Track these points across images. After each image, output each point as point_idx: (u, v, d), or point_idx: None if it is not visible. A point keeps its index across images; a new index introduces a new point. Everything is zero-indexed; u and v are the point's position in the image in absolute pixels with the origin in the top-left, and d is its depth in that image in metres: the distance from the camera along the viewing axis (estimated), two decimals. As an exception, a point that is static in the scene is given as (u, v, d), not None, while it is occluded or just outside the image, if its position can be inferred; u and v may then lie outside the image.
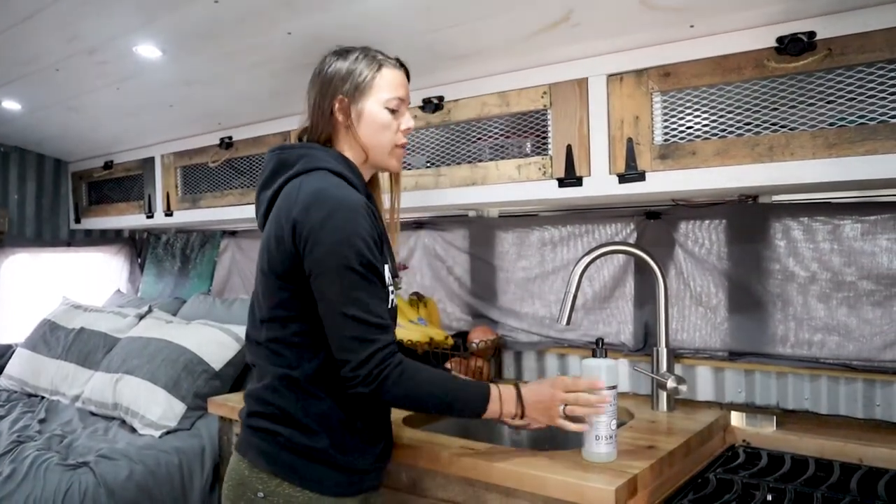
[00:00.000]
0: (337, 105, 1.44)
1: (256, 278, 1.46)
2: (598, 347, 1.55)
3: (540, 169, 1.87)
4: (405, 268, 2.52)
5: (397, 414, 1.91)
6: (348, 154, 1.47)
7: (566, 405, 1.45)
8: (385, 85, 1.45)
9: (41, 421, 2.71)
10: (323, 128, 1.47)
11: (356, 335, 1.30)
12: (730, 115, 1.59)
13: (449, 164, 2.07)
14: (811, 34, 1.45)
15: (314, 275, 1.31)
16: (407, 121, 1.49)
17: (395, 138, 1.48)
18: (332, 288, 1.29)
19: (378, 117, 1.45)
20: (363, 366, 1.29)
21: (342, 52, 1.47)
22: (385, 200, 1.60)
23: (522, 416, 1.45)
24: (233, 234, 3.53)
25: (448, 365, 2.22)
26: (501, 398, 1.44)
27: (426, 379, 1.38)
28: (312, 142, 1.48)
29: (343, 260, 1.29)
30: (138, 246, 4.11)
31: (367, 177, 1.52)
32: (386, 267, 1.41)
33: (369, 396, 1.32)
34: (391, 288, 1.43)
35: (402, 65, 1.50)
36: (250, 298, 1.50)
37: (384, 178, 1.61)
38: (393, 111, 1.46)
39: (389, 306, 1.40)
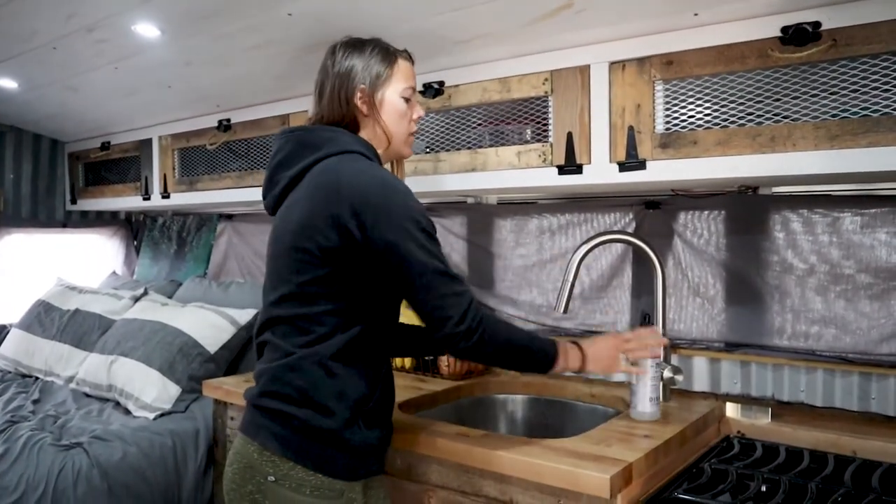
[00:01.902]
0: (359, 95, 1.47)
1: (277, 255, 1.45)
2: (645, 321, 1.98)
3: (540, 156, 1.86)
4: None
5: (393, 399, 1.91)
6: (371, 142, 1.51)
7: (628, 354, 1.62)
8: (401, 75, 1.51)
9: (35, 401, 2.70)
10: (342, 117, 1.49)
11: (452, 290, 1.34)
12: (732, 105, 1.58)
13: (448, 150, 2.06)
14: (816, 24, 1.44)
15: (392, 246, 1.32)
16: (418, 109, 1.56)
17: (410, 127, 1.55)
18: (416, 253, 1.32)
19: (397, 106, 1.51)
20: (464, 319, 1.33)
21: (356, 45, 1.50)
22: None
23: (583, 367, 1.54)
24: (230, 217, 3.52)
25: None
26: (568, 354, 1.51)
27: (511, 330, 1.46)
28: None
29: (418, 226, 1.34)
30: (134, 228, 4.09)
31: (384, 163, 1.56)
32: None
33: (468, 351, 1.36)
34: None
35: (411, 57, 1.56)
36: (264, 278, 1.51)
37: (388, 167, 1.63)
38: (407, 100, 1.53)
39: None
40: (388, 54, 1.51)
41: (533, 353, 1.46)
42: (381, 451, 1.48)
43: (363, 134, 1.51)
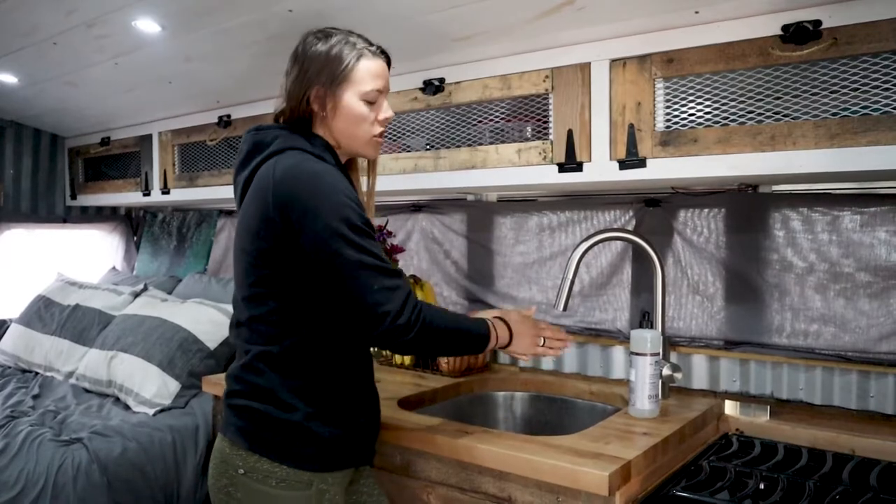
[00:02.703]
0: (313, 94, 1.42)
1: (235, 259, 1.46)
2: (644, 319, 1.96)
3: (540, 153, 1.86)
4: (402, 250, 2.52)
5: (393, 395, 1.91)
6: (326, 138, 1.46)
7: (545, 338, 1.59)
8: (363, 76, 1.42)
9: (35, 397, 2.71)
10: (299, 114, 1.45)
11: (386, 285, 1.31)
12: (732, 103, 1.58)
13: (449, 147, 2.06)
14: (817, 22, 1.44)
15: (319, 244, 1.30)
16: (385, 110, 1.46)
17: (372, 129, 1.46)
18: (345, 249, 1.29)
19: (354, 110, 1.43)
20: (402, 313, 1.31)
21: (322, 36, 1.44)
22: (363, 183, 1.59)
23: (510, 343, 1.54)
24: (230, 213, 3.51)
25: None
26: (498, 332, 1.51)
27: (447, 317, 1.43)
28: (288, 124, 1.47)
29: (345, 220, 1.30)
30: (134, 224, 4.09)
31: (343, 159, 1.50)
32: None
33: (409, 343, 1.34)
34: None
35: (383, 52, 1.47)
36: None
37: (363, 162, 1.60)
38: (371, 103, 1.44)
39: None
40: (352, 51, 1.41)
41: (470, 337, 1.46)
42: (357, 443, 1.46)
43: (318, 132, 1.45)
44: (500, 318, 1.55)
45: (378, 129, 1.47)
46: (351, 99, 1.42)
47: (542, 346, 1.59)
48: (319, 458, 1.38)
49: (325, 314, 1.38)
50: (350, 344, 1.43)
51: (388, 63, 1.49)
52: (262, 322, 1.39)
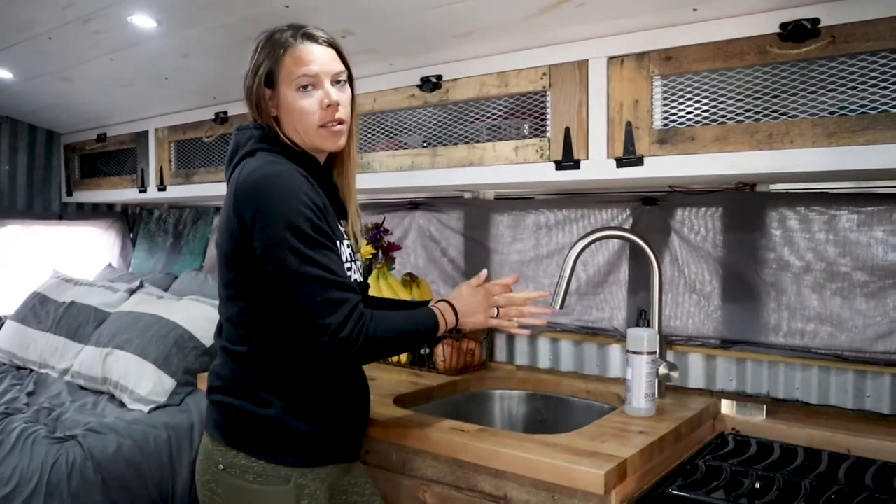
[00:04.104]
0: (265, 100, 1.41)
1: (216, 259, 1.47)
2: (641, 318, 1.96)
3: (537, 151, 1.85)
4: (399, 248, 2.51)
5: (389, 392, 1.91)
6: (293, 137, 1.44)
7: (499, 307, 1.53)
8: (290, 68, 1.38)
9: (29, 394, 2.70)
10: (258, 117, 1.44)
11: (327, 297, 1.28)
12: (730, 101, 1.58)
13: (446, 145, 2.05)
14: (815, 21, 1.43)
15: (267, 251, 1.29)
16: (328, 95, 1.39)
17: (321, 118, 1.40)
18: (290, 256, 1.28)
19: (293, 105, 1.39)
20: (344, 327, 1.28)
21: (254, 43, 1.43)
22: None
23: (457, 324, 1.50)
24: (226, 210, 3.50)
25: (438, 348, 2.21)
26: (445, 317, 1.48)
27: (393, 324, 1.40)
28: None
29: (293, 229, 1.28)
30: (130, 221, 4.08)
31: (321, 158, 1.48)
32: (342, 243, 1.41)
33: (353, 357, 1.33)
34: (352, 264, 1.44)
35: (313, 36, 1.40)
36: None
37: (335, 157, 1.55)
38: (306, 88, 1.38)
39: (352, 279, 1.40)
40: (276, 46, 1.39)
41: (418, 335, 1.45)
42: (336, 439, 1.45)
43: (284, 129, 1.43)
44: (446, 301, 1.51)
45: (327, 117, 1.40)
46: (288, 94, 1.39)
47: (497, 317, 1.53)
48: (296, 453, 1.39)
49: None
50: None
51: (333, 46, 1.43)
52: (233, 323, 1.41)
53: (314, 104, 1.39)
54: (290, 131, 1.43)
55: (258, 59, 1.41)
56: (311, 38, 1.41)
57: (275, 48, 1.39)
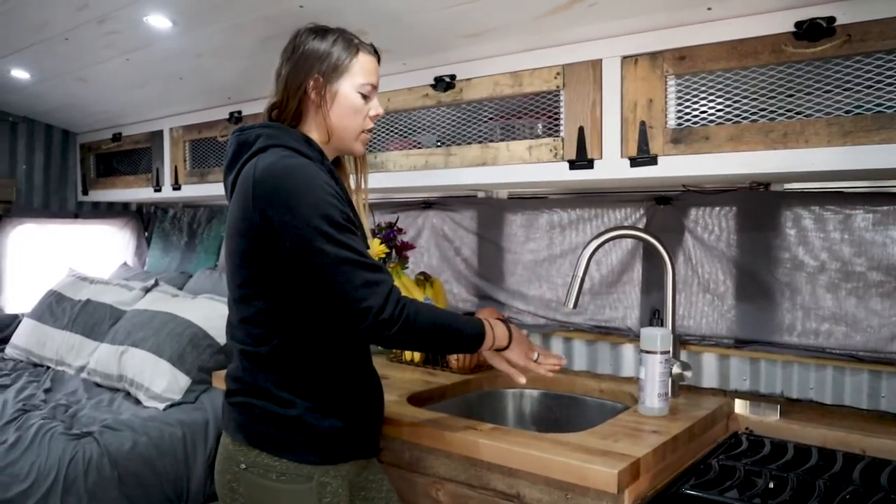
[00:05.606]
0: (311, 83, 1.43)
1: (225, 260, 1.46)
2: (654, 318, 1.94)
3: (551, 150, 1.85)
4: (412, 247, 2.52)
5: (402, 391, 1.92)
6: (313, 135, 1.46)
7: (539, 354, 1.59)
8: (360, 70, 1.46)
9: (46, 391, 2.73)
10: (293, 105, 1.45)
11: (367, 280, 1.30)
12: (744, 101, 1.57)
13: (459, 144, 2.06)
14: (830, 19, 1.43)
15: (299, 245, 1.30)
16: (376, 107, 1.50)
17: (364, 123, 1.49)
18: (326, 246, 1.29)
19: (351, 100, 1.46)
20: (385, 308, 1.30)
21: (319, 32, 1.46)
22: (352, 181, 1.60)
23: (507, 348, 1.54)
24: (240, 209, 3.52)
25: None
26: (495, 331, 1.51)
27: (436, 316, 1.42)
28: (279, 120, 1.47)
29: (325, 217, 1.30)
30: (145, 220, 4.11)
31: (330, 157, 1.51)
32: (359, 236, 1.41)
33: (391, 338, 1.34)
34: None
35: (375, 51, 1.51)
36: None
37: (350, 162, 1.60)
38: (364, 97, 1.47)
39: None
40: (351, 45, 1.45)
41: (461, 336, 1.45)
42: (358, 435, 1.46)
43: (309, 125, 1.47)
44: (502, 321, 1.55)
45: (368, 125, 1.50)
46: (348, 89, 1.45)
47: (536, 360, 1.58)
48: (320, 451, 1.39)
49: (312, 312, 1.38)
50: (340, 339, 1.43)
51: (379, 62, 1.52)
52: (250, 323, 1.41)
53: (366, 110, 1.49)
54: (315, 125, 1.46)
55: (329, 47, 1.44)
56: (374, 52, 1.51)
57: (349, 46, 1.45)
